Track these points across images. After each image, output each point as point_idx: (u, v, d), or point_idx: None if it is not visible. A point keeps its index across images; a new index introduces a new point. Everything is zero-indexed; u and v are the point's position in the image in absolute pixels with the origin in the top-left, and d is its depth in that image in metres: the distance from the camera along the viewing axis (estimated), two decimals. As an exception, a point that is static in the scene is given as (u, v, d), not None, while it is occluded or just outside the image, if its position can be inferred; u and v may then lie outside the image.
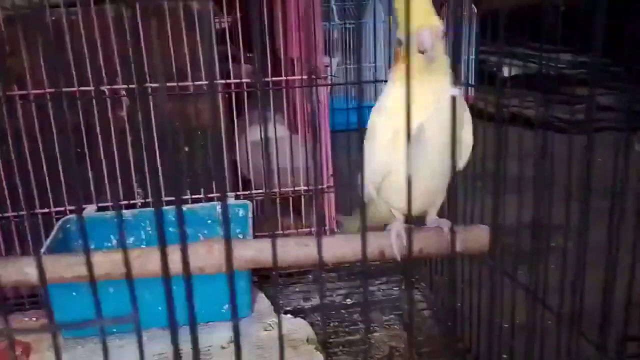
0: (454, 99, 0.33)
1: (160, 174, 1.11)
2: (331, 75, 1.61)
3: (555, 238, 0.72)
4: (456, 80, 0.51)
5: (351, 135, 1.12)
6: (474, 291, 0.88)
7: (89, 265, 0.44)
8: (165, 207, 1.14)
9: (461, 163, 0.72)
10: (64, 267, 0.73)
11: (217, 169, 1.20)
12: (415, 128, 0.62)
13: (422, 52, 0.63)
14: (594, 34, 0.50)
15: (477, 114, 0.75)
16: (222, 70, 1.31)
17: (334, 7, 2.78)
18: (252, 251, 0.74)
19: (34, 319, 1.08)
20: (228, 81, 1.24)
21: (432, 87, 0.63)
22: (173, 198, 1.11)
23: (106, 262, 0.73)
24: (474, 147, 0.73)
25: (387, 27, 1.24)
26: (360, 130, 0.46)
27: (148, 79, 1.16)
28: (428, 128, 0.63)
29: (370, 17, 2.35)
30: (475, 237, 0.74)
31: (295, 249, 0.74)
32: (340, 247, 0.74)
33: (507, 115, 0.79)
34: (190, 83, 1.18)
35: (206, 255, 0.74)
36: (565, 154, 0.65)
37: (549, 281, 0.71)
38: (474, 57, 2.27)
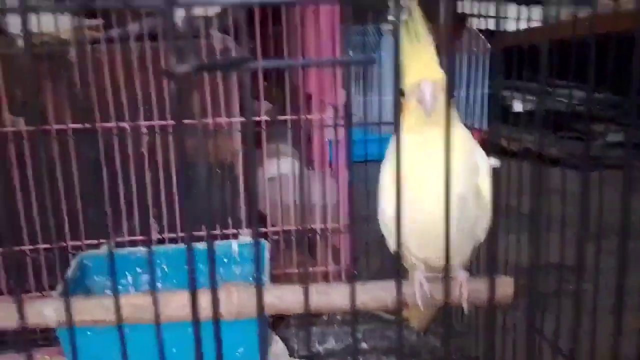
0: (494, 170, 0.32)
1: (178, 210, 1.10)
2: (348, 113, 1.62)
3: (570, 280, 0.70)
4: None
5: (369, 166, 1.11)
6: (498, 341, 0.86)
7: (118, 312, 0.43)
8: (178, 246, 1.14)
9: (484, 221, 0.69)
10: (84, 311, 0.72)
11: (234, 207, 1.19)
12: (457, 197, 0.61)
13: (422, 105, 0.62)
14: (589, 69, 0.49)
15: (491, 149, 0.75)
16: (242, 107, 1.32)
17: (351, 39, 2.81)
18: (271, 298, 0.73)
19: (46, 356, 1.06)
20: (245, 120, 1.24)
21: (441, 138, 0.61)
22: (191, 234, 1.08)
23: (126, 305, 0.73)
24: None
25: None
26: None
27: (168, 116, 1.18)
28: (467, 200, 0.62)
29: (386, 50, 2.39)
30: (498, 288, 0.72)
31: (316, 297, 0.73)
32: (360, 295, 0.73)
33: (520, 149, 0.79)
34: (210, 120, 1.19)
35: (224, 301, 0.73)
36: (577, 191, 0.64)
37: (565, 323, 0.68)
38: (486, 91, 2.28)
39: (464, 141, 0.65)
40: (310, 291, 0.73)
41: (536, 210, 0.64)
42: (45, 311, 0.71)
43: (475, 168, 0.67)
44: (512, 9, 1.02)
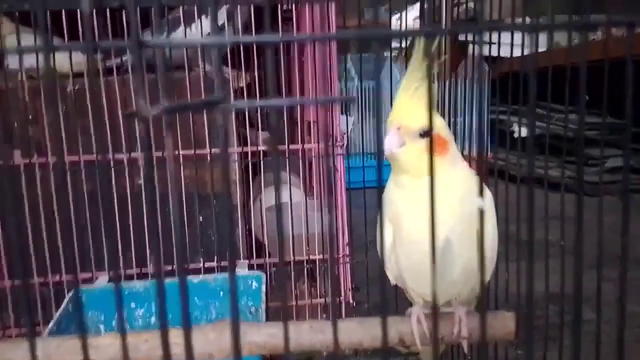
0: (481, 212, 0.31)
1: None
2: (347, 135, 1.61)
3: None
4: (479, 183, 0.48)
5: (368, 193, 1.10)
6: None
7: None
8: (174, 280, 1.13)
9: (489, 253, 0.67)
10: (72, 350, 0.70)
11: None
12: (442, 241, 0.59)
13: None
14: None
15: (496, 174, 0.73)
16: (240, 135, 1.31)
17: (351, 67, 2.83)
18: (264, 337, 0.70)
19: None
20: (244, 149, 1.24)
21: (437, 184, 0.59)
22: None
23: (113, 345, 0.70)
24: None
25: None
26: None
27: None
28: (452, 244, 0.61)
29: (385, 78, 2.40)
30: (499, 324, 0.70)
31: (310, 336, 0.71)
32: (357, 332, 0.71)
33: (523, 175, 0.77)
34: (207, 151, 1.18)
35: (216, 339, 0.70)
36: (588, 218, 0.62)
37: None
38: (486, 117, 2.27)
39: (460, 184, 0.62)
40: (304, 328, 0.71)
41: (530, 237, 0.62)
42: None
43: (472, 211, 0.64)
44: (509, 36, 1.01)
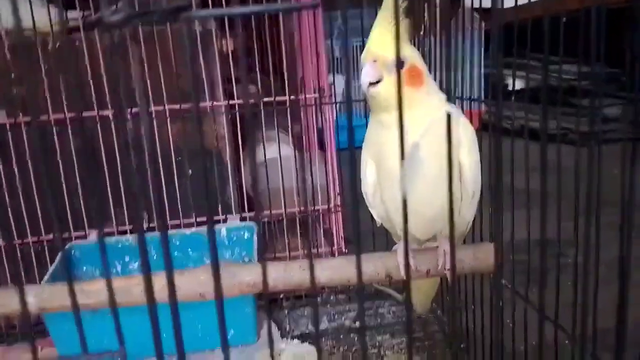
0: (448, 116, 0.31)
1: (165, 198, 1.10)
2: (335, 97, 1.60)
3: (568, 254, 0.69)
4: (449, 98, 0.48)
5: (356, 151, 1.10)
6: (486, 312, 0.85)
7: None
8: (168, 232, 1.14)
9: (469, 187, 0.66)
10: (64, 297, 0.71)
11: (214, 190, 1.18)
12: (410, 146, 0.59)
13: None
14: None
15: (486, 128, 0.73)
16: (226, 91, 1.30)
17: (340, 25, 2.78)
18: (254, 275, 0.72)
19: (40, 347, 1.06)
20: (231, 102, 1.23)
21: (413, 115, 0.58)
22: (177, 222, 1.08)
23: (105, 290, 0.72)
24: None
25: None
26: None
27: (152, 102, 1.16)
28: (419, 149, 0.60)
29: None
30: (481, 255, 0.71)
31: (299, 273, 0.72)
32: (345, 269, 0.72)
33: (514, 127, 0.77)
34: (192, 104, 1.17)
35: (206, 281, 0.72)
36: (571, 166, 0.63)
37: (564, 299, 0.68)
38: (482, 70, 2.24)
39: (435, 112, 0.61)
40: (293, 267, 0.72)
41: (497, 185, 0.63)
42: (27, 298, 0.71)
43: (455, 144, 0.64)
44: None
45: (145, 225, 1.18)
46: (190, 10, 0.29)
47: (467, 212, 0.70)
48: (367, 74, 0.58)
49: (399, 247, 0.73)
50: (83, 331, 0.37)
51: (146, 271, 0.35)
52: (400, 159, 0.32)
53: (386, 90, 0.59)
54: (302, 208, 1.29)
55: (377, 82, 0.60)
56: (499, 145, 0.45)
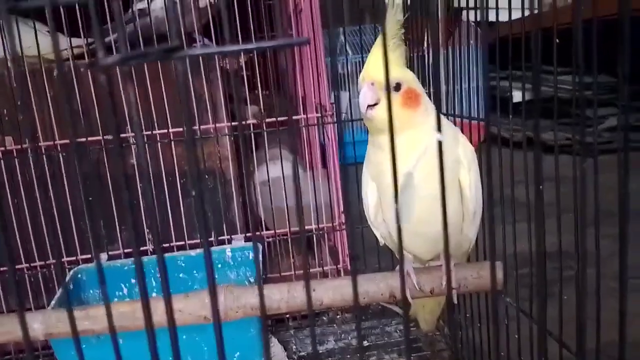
0: (440, 144, 0.32)
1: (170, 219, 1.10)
2: (340, 112, 1.61)
3: (573, 266, 0.69)
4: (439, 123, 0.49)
5: (359, 167, 1.10)
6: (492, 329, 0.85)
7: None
8: (173, 254, 1.15)
9: (470, 206, 0.67)
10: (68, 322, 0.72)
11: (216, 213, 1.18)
12: (403, 175, 0.60)
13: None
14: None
15: (492, 140, 0.73)
16: (229, 111, 1.32)
17: (347, 41, 2.79)
18: (258, 298, 0.72)
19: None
20: (234, 123, 1.24)
21: (410, 137, 0.60)
22: (182, 243, 1.09)
23: (111, 314, 0.72)
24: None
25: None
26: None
27: (156, 126, 1.18)
28: (414, 177, 0.61)
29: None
30: (484, 273, 0.71)
31: (303, 294, 0.72)
32: (348, 289, 0.72)
33: (523, 139, 0.78)
34: (196, 127, 1.19)
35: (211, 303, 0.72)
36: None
37: (568, 313, 0.67)
38: (482, 84, 2.24)
39: (431, 134, 0.61)
40: (297, 288, 0.73)
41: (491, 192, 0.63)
42: (33, 325, 0.71)
43: (453, 165, 0.64)
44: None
45: (150, 248, 1.19)
46: (182, 50, 0.30)
47: (469, 231, 0.70)
48: (364, 96, 0.59)
49: (403, 267, 0.73)
50: (83, 358, 0.38)
51: (145, 299, 0.35)
52: (394, 191, 0.32)
53: (383, 113, 0.60)
54: (300, 227, 1.29)
55: (375, 104, 0.61)
56: (489, 159, 0.45)
